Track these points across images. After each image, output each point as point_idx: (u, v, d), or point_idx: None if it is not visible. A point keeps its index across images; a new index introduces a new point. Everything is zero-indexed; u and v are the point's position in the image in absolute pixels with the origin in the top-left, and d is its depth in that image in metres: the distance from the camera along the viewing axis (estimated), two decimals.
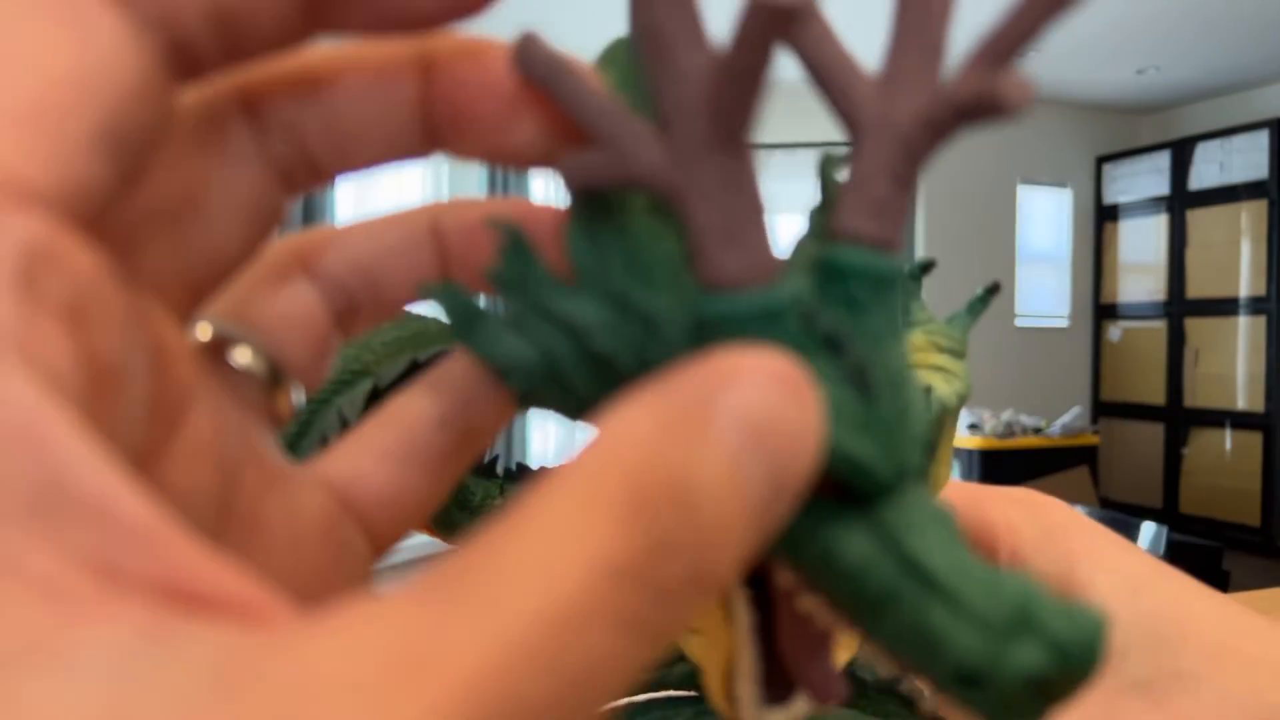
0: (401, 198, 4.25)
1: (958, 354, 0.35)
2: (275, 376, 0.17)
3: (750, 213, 0.18)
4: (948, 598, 0.16)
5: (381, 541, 0.17)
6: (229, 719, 0.08)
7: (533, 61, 0.18)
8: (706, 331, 0.18)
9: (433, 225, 0.19)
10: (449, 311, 0.20)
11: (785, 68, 0.19)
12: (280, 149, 0.16)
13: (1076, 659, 0.16)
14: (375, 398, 0.33)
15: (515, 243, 0.19)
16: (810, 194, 0.21)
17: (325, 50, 0.16)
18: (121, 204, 0.12)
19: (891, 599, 0.16)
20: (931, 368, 0.34)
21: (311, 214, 3.78)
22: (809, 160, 5.08)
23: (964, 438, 4.19)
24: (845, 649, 0.32)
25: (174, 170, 0.14)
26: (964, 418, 4.30)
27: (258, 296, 0.17)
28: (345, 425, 0.32)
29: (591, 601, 0.09)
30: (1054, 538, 0.31)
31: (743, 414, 0.11)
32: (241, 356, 0.16)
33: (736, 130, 0.17)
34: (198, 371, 0.15)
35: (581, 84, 0.18)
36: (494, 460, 0.40)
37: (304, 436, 0.33)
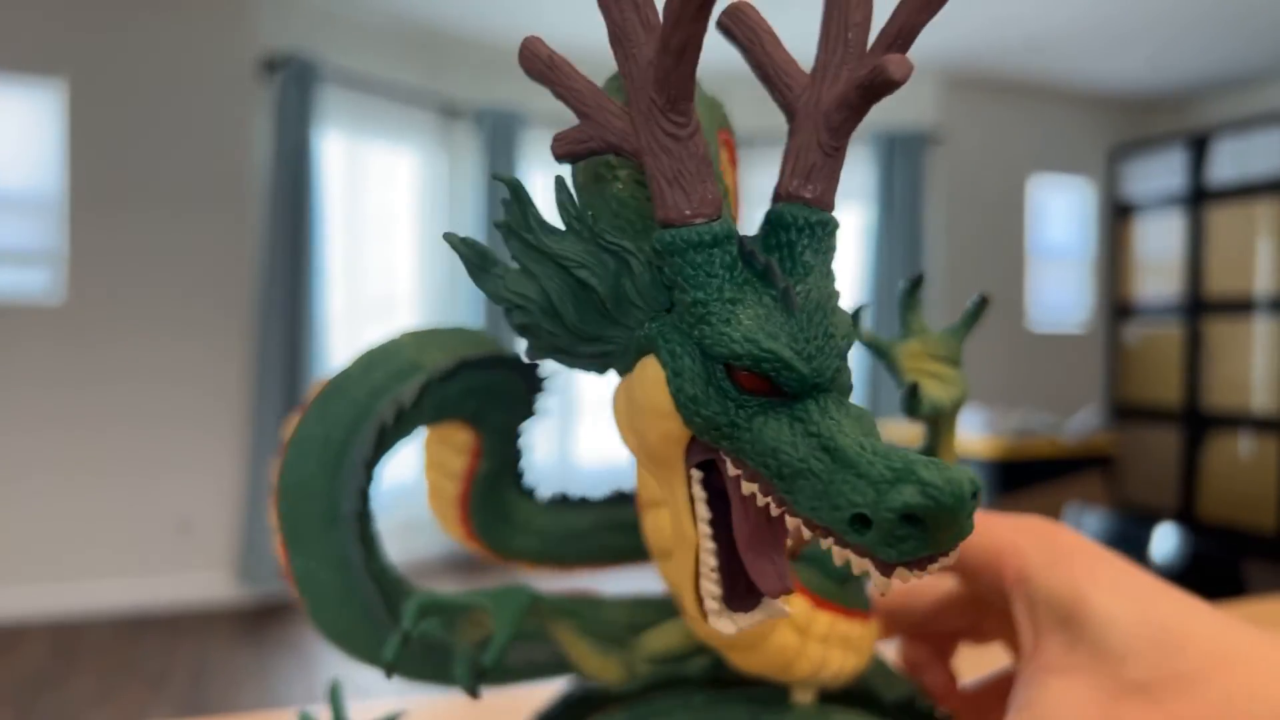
0: (396, 195, 4.18)
1: (952, 361, 0.38)
2: None
3: (693, 163, 0.23)
4: (849, 466, 0.21)
5: None
6: None
7: (534, 59, 0.24)
8: (663, 260, 0.24)
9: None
10: (463, 256, 0.26)
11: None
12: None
13: (942, 496, 0.20)
14: (425, 390, 0.35)
15: (516, 193, 0.26)
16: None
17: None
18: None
19: (806, 470, 0.21)
20: (926, 374, 0.37)
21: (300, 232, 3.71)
22: None
23: (978, 440, 4.10)
24: (857, 659, 0.35)
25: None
26: (978, 420, 4.22)
27: None
28: (401, 412, 0.35)
29: None
30: (1060, 561, 0.33)
31: None
32: None
33: (677, 96, 0.22)
34: None
35: (571, 74, 0.24)
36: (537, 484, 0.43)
37: (365, 420, 0.34)
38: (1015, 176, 5.23)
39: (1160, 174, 5.18)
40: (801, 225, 0.24)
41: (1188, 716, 0.28)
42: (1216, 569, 3.04)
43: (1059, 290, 5.46)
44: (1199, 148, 4.97)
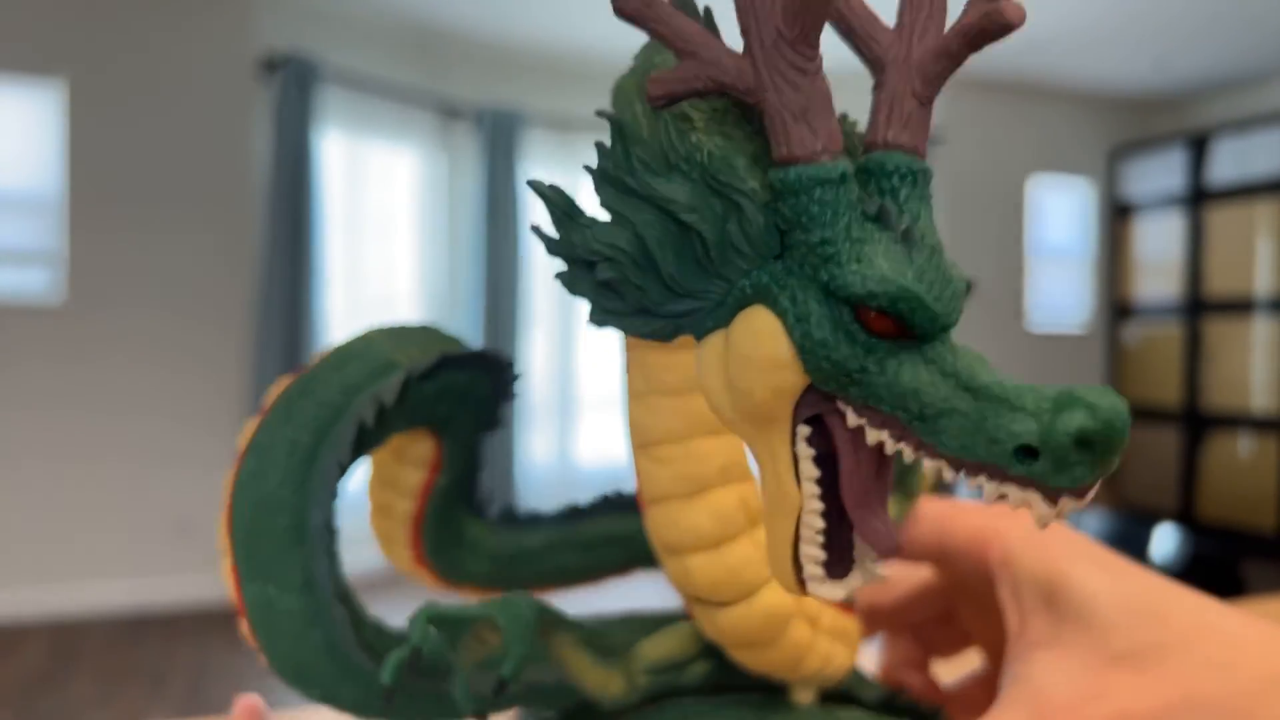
0: (396, 195, 4.16)
1: None
2: None
3: (818, 98, 0.23)
4: (999, 400, 0.21)
5: None
6: None
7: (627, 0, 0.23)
8: (781, 199, 0.23)
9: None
10: (551, 203, 0.25)
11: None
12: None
13: (1112, 416, 0.20)
14: (406, 387, 0.33)
15: (621, 130, 0.25)
16: None
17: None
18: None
19: (950, 410, 0.21)
20: None
21: (301, 234, 3.70)
22: None
23: None
24: (851, 654, 0.35)
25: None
26: None
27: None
28: (382, 410, 0.33)
29: None
30: (1042, 543, 0.34)
31: None
32: None
33: (810, 29, 0.22)
34: None
35: (671, 12, 0.24)
36: (488, 501, 0.40)
37: (338, 421, 0.32)
38: (1015, 176, 5.22)
39: (1160, 174, 5.17)
40: (904, 172, 0.24)
41: (1172, 682, 0.29)
42: (1216, 569, 3.04)
43: (1059, 290, 5.44)
44: (1199, 148, 4.96)
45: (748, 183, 0.24)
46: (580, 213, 0.25)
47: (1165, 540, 2.99)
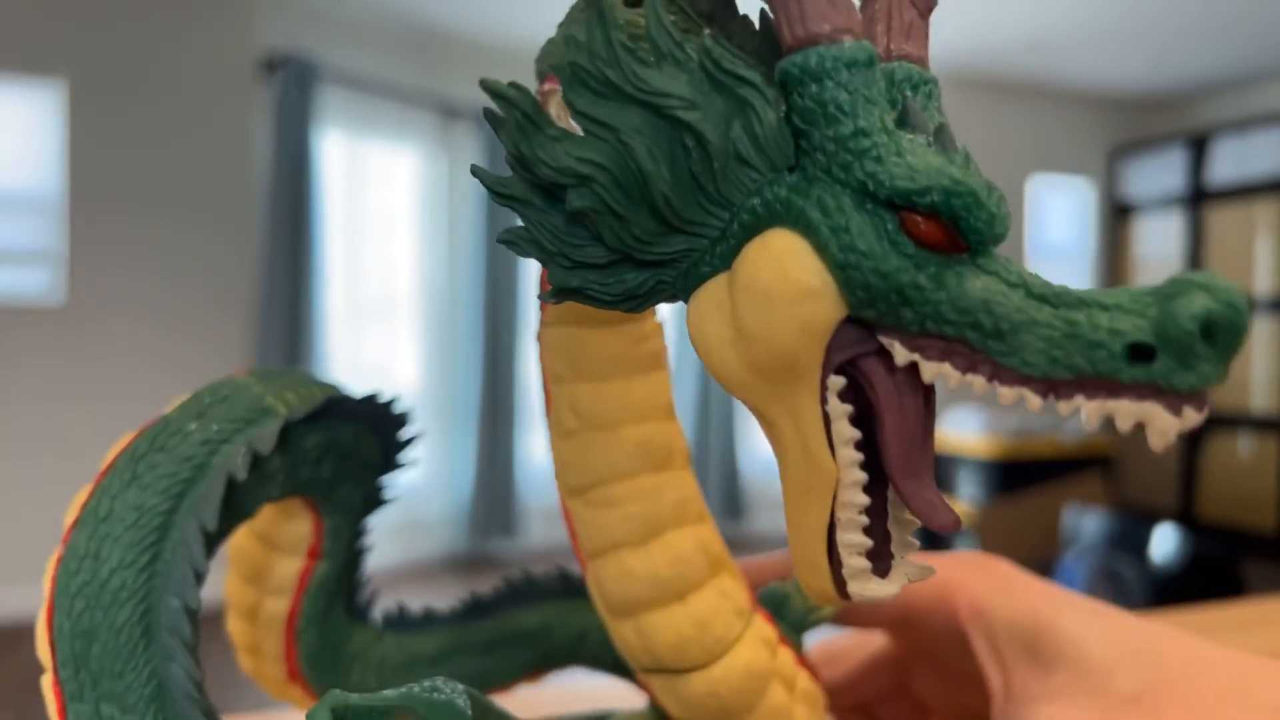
0: (396, 195, 4.16)
1: None
2: None
3: None
4: (1086, 304, 0.18)
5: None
6: None
7: None
8: (799, 91, 0.19)
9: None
10: (511, 104, 0.21)
11: None
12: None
13: (1232, 296, 0.17)
14: (286, 435, 0.29)
15: (599, 10, 0.20)
16: None
17: None
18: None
19: (1029, 321, 0.18)
20: None
21: (301, 233, 3.70)
22: None
23: (978, 440, 4.09)
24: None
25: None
26: (977, 420, 4.21)
27: None
28: (258, 460, 0.27)
29: None
30: (1013, 591, 0.32)
31: None
32: None
33: None
34: None
35: None
36: (369, 603, 0.35)
37: (201, 478, 0.26)
38: (1015, 176, 5.22)
39: (1160, 174, 5.16)
40: (916, 81, 0.20)
41: (1188, 718, 0.27)
42: (1216, 569, 3.03)
43: None
44: (1199, 148, 4.95)
45: (756, 72, 0.20)
46: (548, 121, 0.21)
47: (1165, 540, 2.98)
